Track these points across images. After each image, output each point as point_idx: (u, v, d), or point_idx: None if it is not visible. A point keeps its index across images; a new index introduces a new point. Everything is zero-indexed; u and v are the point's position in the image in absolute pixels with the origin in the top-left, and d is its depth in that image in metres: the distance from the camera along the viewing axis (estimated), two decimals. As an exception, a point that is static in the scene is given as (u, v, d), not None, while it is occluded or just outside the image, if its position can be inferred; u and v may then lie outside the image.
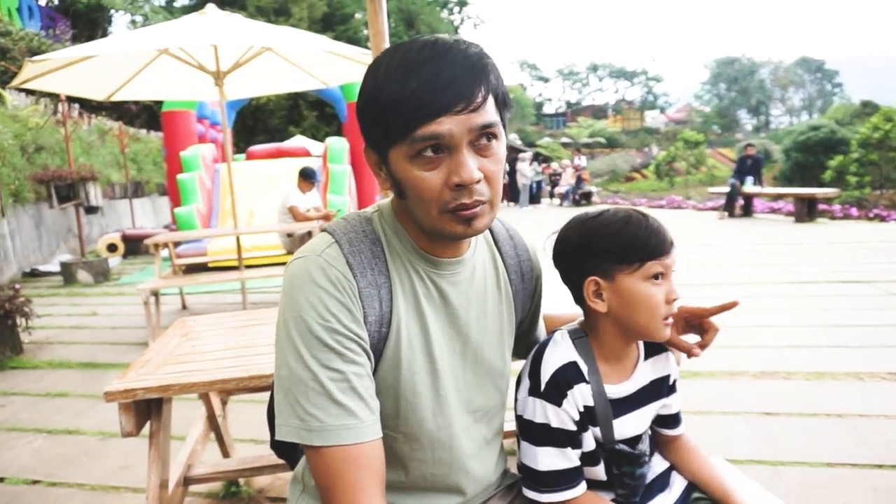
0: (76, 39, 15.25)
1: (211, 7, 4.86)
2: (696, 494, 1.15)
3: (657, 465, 1.20)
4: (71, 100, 11.11)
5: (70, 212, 9.19)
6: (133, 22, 19.62)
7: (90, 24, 18.27)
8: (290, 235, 5.94)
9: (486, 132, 0.83)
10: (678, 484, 1.17)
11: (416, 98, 0.79)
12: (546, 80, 72.79)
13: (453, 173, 0.82)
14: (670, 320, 1.03)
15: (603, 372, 1.08)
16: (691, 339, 1.14)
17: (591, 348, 1.09)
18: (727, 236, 9.30)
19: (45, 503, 2.39)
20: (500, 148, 0.86)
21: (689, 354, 1.10)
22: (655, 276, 1.02)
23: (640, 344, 1.14)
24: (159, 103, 11.37)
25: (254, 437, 2.84)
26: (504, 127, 0.88)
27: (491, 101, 0.83)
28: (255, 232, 5.70)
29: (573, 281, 1.10)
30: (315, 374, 0.83)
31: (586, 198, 17.50)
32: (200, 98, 6.28)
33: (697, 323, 1.13)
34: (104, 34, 18.12)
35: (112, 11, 19.63)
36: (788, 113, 71.57)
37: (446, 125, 0.79)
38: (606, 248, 1.05)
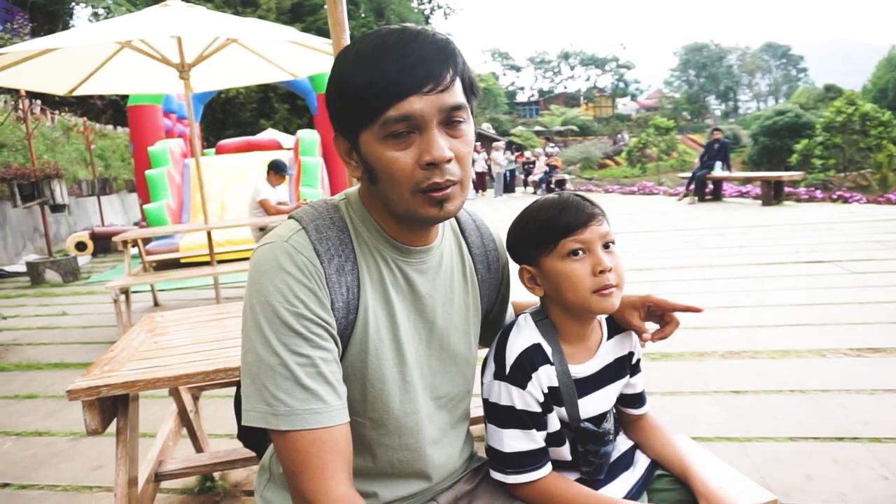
0: (35, 33, 14.79)
1: (173, -1, 4.77)
2: (658, 471, 1.18)
3: (621, 443, 1.23)
4: (32, 95, 10.81)
5: (35, 211, 8.97)
6: (95, 15, 19.06)
7: (50, 18, 17.75)
8: (262, 229, 5.88)
9: (455, 114, 0.85)
10: (642, 462, 1.20)
11: (385, 78, 0.80)
12: (518, 69, 72.86)
13: (424, 152, 0.83)
14: (609, 290, 1.03)
15: (567, 352, 1.10)
16: (653, 327, 1.15)
17: (554, 330, 1.11)
18: (696, 220, 9.45)
19: (16, 506, 2.36)
20: (469, 130, 0.88)
21: (641, 338, 1.13)
22: (574, 252, 1.04)
23: (604, 323, 1.17)
24: (125, 98, 11.13)
25: (229, 432, 2.82)
26: (472, 113, 0.90)
27: (458, 84, 0.86)
28: (226, 226, 5.63)
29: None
30: (282, 359, 0.83)
31: (560, 185, 17.60)
32: (165, 91, 6.17)
33: (660, 314, 1.14)
34: (65, 28, 17.62)
35: (73, 4, 19.10)
36: (756, 98, 72.76)
37: (417, 104, 0.81)
38: (526, 236, 1.09)
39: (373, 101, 0.81)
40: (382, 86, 0.81)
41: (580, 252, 1.03)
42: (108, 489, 2.42)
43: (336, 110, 0.89)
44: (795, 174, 11.52)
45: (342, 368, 0.91)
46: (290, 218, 0.95)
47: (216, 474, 2.37)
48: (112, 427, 1.51)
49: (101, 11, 18.70)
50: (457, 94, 0.85)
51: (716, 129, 12.80)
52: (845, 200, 10.58)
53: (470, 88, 0.89)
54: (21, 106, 7.99)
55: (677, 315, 1.13)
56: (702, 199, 12.17)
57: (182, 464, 1.85)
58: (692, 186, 12.19)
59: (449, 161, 0.85)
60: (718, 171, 11.73)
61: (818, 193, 11.41)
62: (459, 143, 0.87)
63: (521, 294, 1.28)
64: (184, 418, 2.21)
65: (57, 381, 3.78)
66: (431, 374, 1.02)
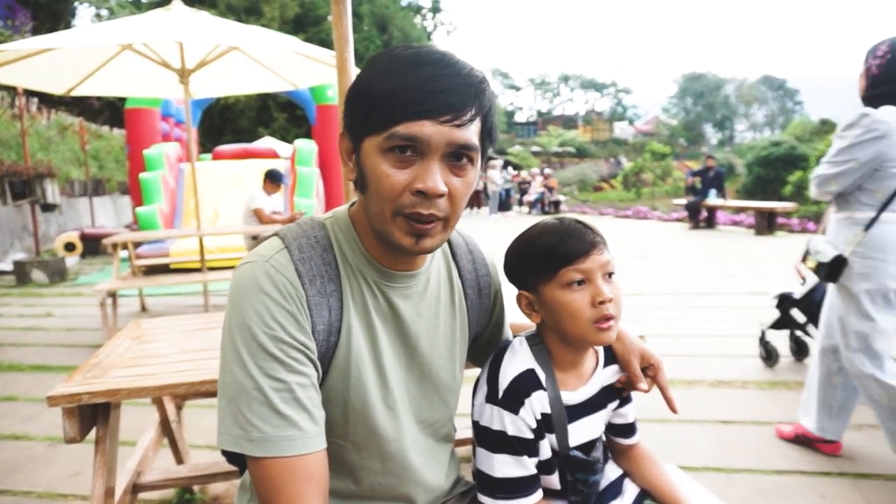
0: (37, 31, 14.78)
1: (177, 3, 4.77)
2: (647, 502, 1.16)
3: (610, 472, 1.21)
4: (29, 93, 10.80)
5: (25, 209, 8.90)
6: (98, 16, 19.11)
7: (52, 17, 17.75)
8: (255, 238, 5.85)
9: (464, 152, 0.83)
10: (630, 491, 1.18)
11: (407, 93, 0.78)
12: (518, 89, 73.28)
13: (419, 179, 0.80)
14: (608, 323, 1.01)
15: (560, 378, 1.08)
16: None
17: (549, 355, 1.09)
18: (689, 247, 9.48)
19: (-13, 511, 2.30)
20: (472, 173, 0.86)
21: (638, 388, 1.12)
22: (576, 282, 1.01)
23: (601, 351, 1.15)
24: (123, 100, 11.11)
25: (211, 444, 2.77)
26: (483, 157, 0.88)
27: (478, 124, 0.83)
28: (218, 233, 5.59)
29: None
30: (258, 384, 0.81)
31: (555, 206, 17.65)
32: (165, 96, 6.16)
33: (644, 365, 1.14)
34: (67, 27, 17.62)
35: (76, 4, 19.15)
36: (752, 128, 73.49)
37: (427, 129, 0.79)
38: (525, 263, 1.07)
39: (387, 110, 0.79)
40: (401, 99, 0.78)
41: (582, 283, 1.01)
42: (83, 498, 2.37)
43: (350, 108, 0.86)
44: (789, 205, 11.60)
45: (323, 391, 0.89)
46: (274, 235, 0.93)
47: (196, 487, 2.32)
48: (91, 433, 1.47)
49: (104, 13, 18.75)
50: (471, 134, 0.82)
51: (709, 156, 12.91)
52: (837, 233, 10.64)
53: (488, 133, 0.86)
54: (17, 103, 7.96)
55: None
56: (696, 227, 12.24)
57: (161, 475, 1.81)
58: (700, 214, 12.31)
59: (441, 196, 0.82)
60: (713, 198, 11.80)
61: (811, 225, 11.49)
62: (459, 182, 0.84)
63: (519, 316, 1.26)
64: (165, 428, 2.16)
65: (38, 384, 3.72)
66: (411, 399, 1.00)
